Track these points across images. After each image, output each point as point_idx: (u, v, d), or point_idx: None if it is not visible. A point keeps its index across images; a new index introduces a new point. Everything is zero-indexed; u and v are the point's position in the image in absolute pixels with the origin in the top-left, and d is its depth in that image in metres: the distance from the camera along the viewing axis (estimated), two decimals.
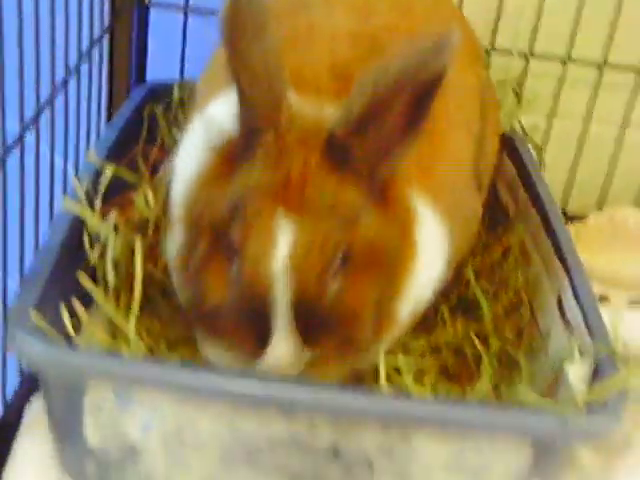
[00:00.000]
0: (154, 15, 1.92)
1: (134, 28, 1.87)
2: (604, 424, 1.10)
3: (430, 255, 1.26)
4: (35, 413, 1.29)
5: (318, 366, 1.14)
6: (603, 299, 1.82)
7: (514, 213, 1.68)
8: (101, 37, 1.79)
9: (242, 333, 1.11)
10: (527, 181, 1.67)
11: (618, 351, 1.20)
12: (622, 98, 2.02)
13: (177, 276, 1.26)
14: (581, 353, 1.22)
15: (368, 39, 1.33)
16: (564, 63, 1.97)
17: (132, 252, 1.29)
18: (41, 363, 1.08)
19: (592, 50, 1.97)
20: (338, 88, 1.23)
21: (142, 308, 1.33)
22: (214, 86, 1.34)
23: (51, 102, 1.52)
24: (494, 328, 1.48)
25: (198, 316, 1.17)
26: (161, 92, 1.77)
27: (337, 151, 1.14)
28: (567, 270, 1.39)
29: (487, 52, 1.94)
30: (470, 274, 1.51)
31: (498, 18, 1.93)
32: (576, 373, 1.17)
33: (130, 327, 1.18)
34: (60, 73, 1.59)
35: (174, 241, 1.26)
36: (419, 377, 1.31)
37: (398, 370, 1.23)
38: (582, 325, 1.27)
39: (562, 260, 1.42)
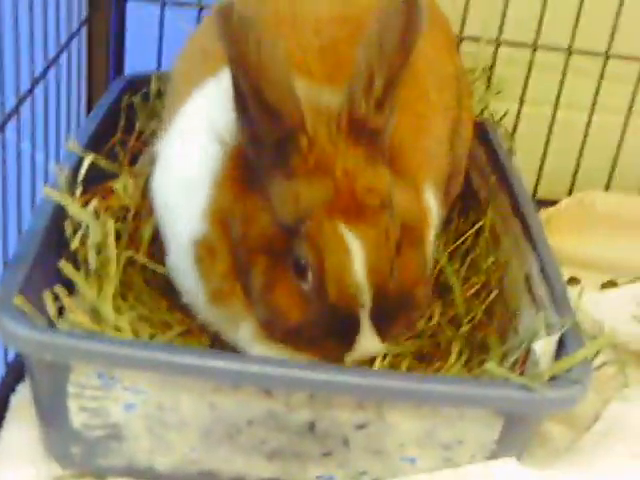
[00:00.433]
0: (131, 7, 1.94)
1: (111, 20, 1.89)
2: (569, 394, 1.14)
3: (433, 220, 1.35)
4: (21, 401, 1.32)
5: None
6: (575, 281, 1.86)
7: (485, 197, 1.72)
8: (79, 30, 1.82)
9: (330, 342, 1.17)
10: (497, 166, 1.72)
11: (582, 326, 1.25)
12: (590, 83, 2.06)
13: (222, 300, 1.25)
14: (548, 329, 1.26)
15: (352, 21, 1.35)
16: (533, 50, 2.01)
17: (113, 238, 1.33)
18: (25, 346, 1.11)
19: (560, 36, 2.00)
20: (329, 71, 1.27)
21: (125, 294, 1.38)
22: (195, 76, 1.36)
23: (31, 93, 1.55)
24: (466, 310, 1.53)
25: (282, 335, 1.19)
26: (139, 83, 1.80)
27: (365, 135, 1.19)
28: (535, 250, 1.44)
29: (457, 40, 1.97)
30: (443, 258, 1.55)
31: (467, 6, 1.96)
32: (543, 348, 1.21)
33: (107, 307, 1.22)
34: (40, 66, 1.61)
35: (191, 261, 1.26)
36: (396, 362, 1.34)
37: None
38: (549, 302, 1.31)
39: (530, 241, 1.46)
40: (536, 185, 2.12)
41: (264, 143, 1.17)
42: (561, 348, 1.21)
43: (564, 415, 1.42)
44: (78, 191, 1.37)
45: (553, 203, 2.06)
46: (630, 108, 2.08)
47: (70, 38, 1.75)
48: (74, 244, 1.30)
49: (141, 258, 1.41)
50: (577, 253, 1.94)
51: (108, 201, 1.42)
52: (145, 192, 1.50)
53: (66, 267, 1.25)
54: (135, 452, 1.19)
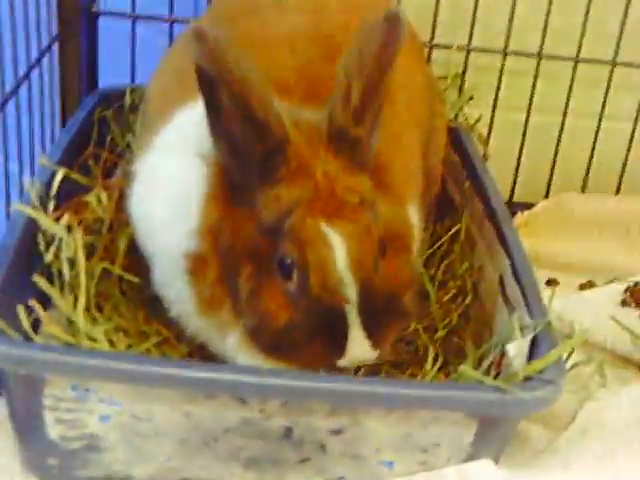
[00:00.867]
0: (103, 22, 1.95)
1: (83, 36, 1.90)
2: (542, 396, 1.14)
3: (417, 235, 1.38)
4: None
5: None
6: (553, 282, 1.88)
7: (460, 203, 1.73)
8: (50, 46, 1.82)
9: (318, 345, 1.17)
10: (471, 171, 1.73)
11: (555, 326, 1.26)
12: (561, 87, 2.07)
13: (211, 310, 1.26)
14: (521, 330, 1.27)
15: (325, 39, 1.38)
16: (503, 56, 2.03)
17: (87, 251, 1.34)
18: (1, 360, 1.12)
19: (530, 42, 2.02)
20: (307, 89, 1.29)
21: (102, 305, 1.38)
22: (174, 96, 1.37)
23: (2, 110, 1.55)
24: (442, 315, 1.54)
25: (267, 341, 1.20)
26: (113, 97, 1.81)
27: (345, 144, 1.22)
28: (508, 253, 1.45)
29: (428, 48, 1.99)
30: (419, 264, 1.56)
31: (436, 14, 1.98)
32: (516, 349, 1.22)
33: (81, 318, 1.22)
34: (10, 83, 1.62)
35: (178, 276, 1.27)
36: (374, 369, 1.35)
37: None
38: (522, 304, 1.32)
39: (504, 245, 1.48)
40: (512, 189, 2.14)
41: (249, 158, 1.20)
42: (535, 349, 1.22)
43: (542, 415, 1.42)
44: (51, 205, 1.38)
45: (530, 206, 2.08)
46: (602, 111, 2.09)
47: (41, 54, 1.75)
48: (48, 257, 1.30)
49: (117, 270, 1.41)
50: (555, 255, 1.96)
51: (82, 214, 1.42)
52: (119, 205, 1.51)
53: (40, 280, 1.25)
54: (112, 462, 1.19)
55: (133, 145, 1.70)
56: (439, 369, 1.39)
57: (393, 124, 1.39)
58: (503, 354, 1.26)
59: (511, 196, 2.13)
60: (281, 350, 1.19)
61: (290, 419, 1.15)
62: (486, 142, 2.01)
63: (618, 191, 2.17)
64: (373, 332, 1.18)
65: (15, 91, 1.64)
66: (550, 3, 1.97)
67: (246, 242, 1.20)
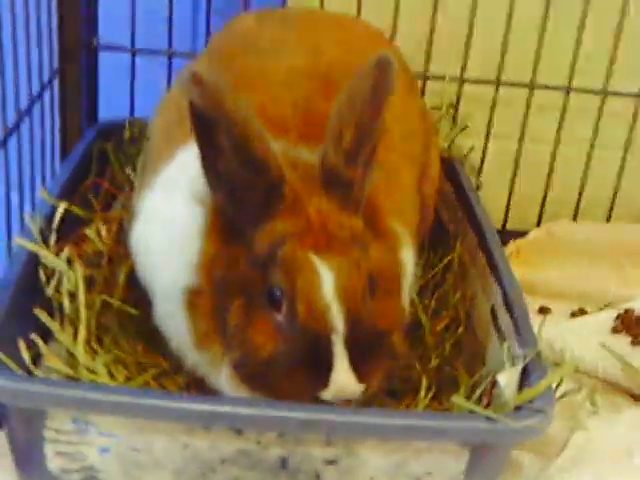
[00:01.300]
0: (103, 55, 1.98)
1: (83, 70, 1.93)
2: (533, 424, 1.17)
3: (408, 276, 1.40)
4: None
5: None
6: (545, 310, 1.90)
7: (453, 232, 1.76)
8: (51, 80, 1.86)
9: (302, 376, 1.18)
10: (464, 201, 1.76)
11: (545, 355, 1.29)
12: (553, 117, 2.10)
13: (205, 345, 1.28)
14: (511, 360, 1.29)
15: (321, 76, 1.42)
16: (496, 86, 2.06)
17: (87, 284, 1.37)
18: (2, 395, 1.14)
19: (522, 72, 2.05)
20: (304, 126, 1.33)
21: (102, 337, 1.41)
22: (176, 134, 1.40)
23: (4, 145, 1.58)
24: (435, 344, 1.56)
25: (250, 373, 1.22)
26: (112, 130, 1.85)
27: (337, 185, 1.25)
28: (500, 283, 1.47)
29: (422, 79, 2.03)
30: (413, 294, 1.58)
31: (430, 46, 2.01)
32: (506, 379, 1.24)
33: (79, 350, 1.25)
34: (12, 117, 1.65)
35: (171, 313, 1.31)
36: (368, 400, 1.37)
37: None
38: (513, 333, 1.35)
39: (495, 274, 1.50)
40: (505, 217, 2.16)
41: (246, 197, 1.23)
42: (525, 378, 1.25)
43: (534, 443, 1.45)
44: (52, 238, 1.41)
45: (522, 234, 2.10)
46: (593, 140, 2.12)
47: (42, 88, 1.79)
48: (49, 291, 1.33)
49: (116, 302, 1.44)
50: (547, 283, 1.98)
51: (82, 247, 1.45)
52: (118, 238, 1.54)
53: (41, 314, 1.28)
54: None
55: (133, 178, 1.74)
56: (433, 398, 1.41)
57: (389, 159, 1.43)
58: (494, 383, 1.29)
59: (504, 224, 2.16)
60: (263, 382, 1.21)
61: (286, 449, 1.18)
62: (478, 171, 2.04)
63: (609, 219, 2.20)
64: (359, 365, 1.19)
65: (17, 125, 1.67)
66: (542, 35, 2.01)
67: (238, 276, 1.23)
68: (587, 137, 2.13)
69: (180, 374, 1.39)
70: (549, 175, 2.15)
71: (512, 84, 2.07)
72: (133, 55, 1.97)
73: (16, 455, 1.22)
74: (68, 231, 1.47)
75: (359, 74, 1.26)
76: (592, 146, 2.13)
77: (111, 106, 2.02)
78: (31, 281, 1.34)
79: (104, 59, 2.00)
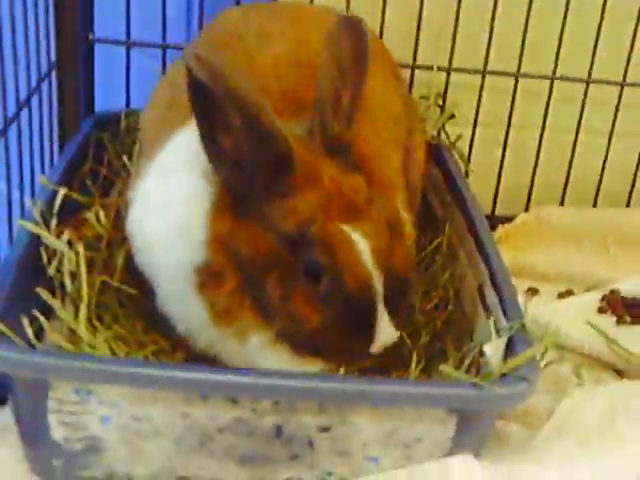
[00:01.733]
0: (99, 49, 2.02)
1: (80, 63, 1.98)
2: (516, 391, 1.22)
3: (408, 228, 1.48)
4: (3, 424, 1.39)
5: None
6: (533, 291, 1.95)
7: (442, 216, 1.81)
8: (49, 73, 1.90)
9: (353, 339, 1.28)
10: (452, 186, 1.81)
11: (530, 329, 1.33)
12: (539, 104, 2.15)
13: (230, 318, 1.32)
14: (498, 333, 1.34)
15: (306, 66, 1.46)
16: (482, 75, 2.11)
17: (86, 265, 1.42)
18: (6, 365, 1.19)
19: (508, 61, 2.10)
20: (293, 114, 1.37)
21: (102, 316, 1.46)
22: (168, 122, 1.45)
23: (4, 134, 1.63)
24: (425, 322, 1.61)
25: (302, 342, 1.29)
26: (109, 121, 1.89)
27: (339, 149, 1.33)
28: (487, 263, 1.52)
29: (410, 69, 2.07)
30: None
31: (418, 36, 2.06)
32: (493, 350, 1.29)
33: (80, 326, 1.30)
34: (11, 109, 1.70)
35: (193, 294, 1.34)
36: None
37: None
38: (499, 309, 1.40)
39: (483, 254, 1.55)
40: (494, 203, 2.21)
41: (255, 170, 1.27)
42: (511, 349, 1.29)
43: (521, 415, 1.50)
44: (53, 222, 1.45)
45: (511, 219, 2.15)
46: (578, 126, 2.17)
47: (40, 81, 1.83)
48: (50, 271, 1.38)
49: (115, 282, 1.49)
50: (535, 266, 2.03)
51: (81, 231, 1.50)
52: (116, 223, 1.59)
53: (43, 292, 1.33)
54: (113, 463, 1.26)
55: (129, 167, 1.78)
56: (422, 371, 1.45)
57: (374, 141, 1.48)
58: (481, 354, 1.34)
59: (493, 210, 2.21)
60: (317, 349, 1.29)
61: (280, 417, 1.22)
62: (467, 158, 2.08)
63: (595, 204, 2.25)
64: (394, 315, 1.29)
65: (17, 116, 1.71)
66: (526, 23, 2.05)
67: (267, 252, 1.28)
68: (572, 124, 2.17)
69: (180, 352, 1.43)
70: (536, 161, 2.19)
71: (498, 73, 2.11)
72: (128, 48, 2.01)
73: (21, 426, 1.26)
74: (67, 217, 1.51)
75: (332, 42, 1.34)
76: (577, 132, 2.18)
77: (108, 98, 2.06)
78: (33, 262, 1.38)
79: (101, 52, 2.03)
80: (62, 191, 1.50)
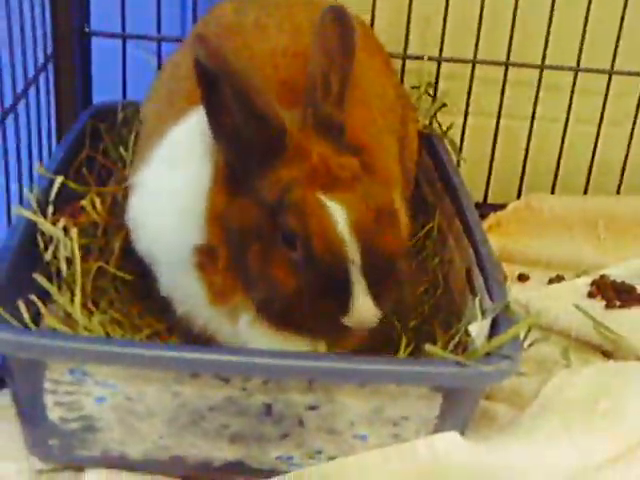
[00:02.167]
0: (95, 41, 2.06)
1: (76, 55, 2.01)
2: (500, 368, 1.24)
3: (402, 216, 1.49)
4: (1, 407, 1.43)
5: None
6: (524, 277, 1.98)
7: (433, 202, 1.84)
8: (45, 65, 1.94)
9: (323, 305, 1.27)
10: (443, 173, 1.84)
11: (517, 311, 1.37)
12: (529, 93, 2.18)
13: (224, 297, 1.36)
14: (482, 313, 1.38)
15: (302, 56, 1.49)
16: (472, 65, 2.14)
17: (83, 252, 1.45)
18: (4, 347, 1.23)
19: (498, 51, 2.13)
20: (292, 103, 1.39)
21: (98, 300, 1.49)
22: (167, 114, 1.50)
23: (2, 125, 1.66)
24: (415, 307, 1.64)
25: (277, 311, 1.30)
26: (106, 112, 1.92)
27: (330, 130, 1.36)
28: (474, 246, 1.55)
29: (401, 59, 2.10)
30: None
31: (408, 28, 2.09)
32: (478, 329, 1.32)
33: (76, 310, 1.34)
34: (9, 101, 1.73)
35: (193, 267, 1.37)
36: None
37: None
38: (485, 291, 1.43)
39: (471, 239, 1.59)
40: (486, 191, 2.24)
41: (250, 147, 1.31)
42: (495, 329, 1.32)
43: (508, 395, 1.53)
44: (50, 209, 1.49)
45: (503, 207, 2.18)
46: (568, 115, 2.20)
47: (37, 72, 1.86)
48: (47, 257, 1.42)
49: (111, 268, 1.53)
50: (526, 252, 2.06)
51: (78, 218, 1.54)
52: (112, 212, 1.63)
53: (40, 278, 1.36)
54: (108, 442, 1.30)
55: (126, 158, 1.82)
56: (411, 354, 1.49)
57: (370, 128, 1.52)
58: (468, 335, 1.37)
59: (485, 198, 2.24)
60: (290, 318, 1.29)
61: (270, 396, 1.26)
62: (459, 147, 2.11)
63: (586, 191, 2.28)
64: (375, 291, 1.27)
65: (14, 106, 1.74)
66: (515, 13, 2.08)
67: (250, 224, 1.30)
68: (562, 113, 2.20)
69: (175, 335, 1.47)
70: (527, 150, 2.22)
71: (488, 62, 2.14)
72: (124, 41, 2.05)
73: (19, 407, 1.30)
74: (64, 205, 1.55)
75: (319, 31, 1.38)
76: (567, 121, 2.20)
77: (105, 90, 2.09)
78: (30, 248, 1.42)
79: (97, 44, 2.07)
80: (59, 179, 1.54)
